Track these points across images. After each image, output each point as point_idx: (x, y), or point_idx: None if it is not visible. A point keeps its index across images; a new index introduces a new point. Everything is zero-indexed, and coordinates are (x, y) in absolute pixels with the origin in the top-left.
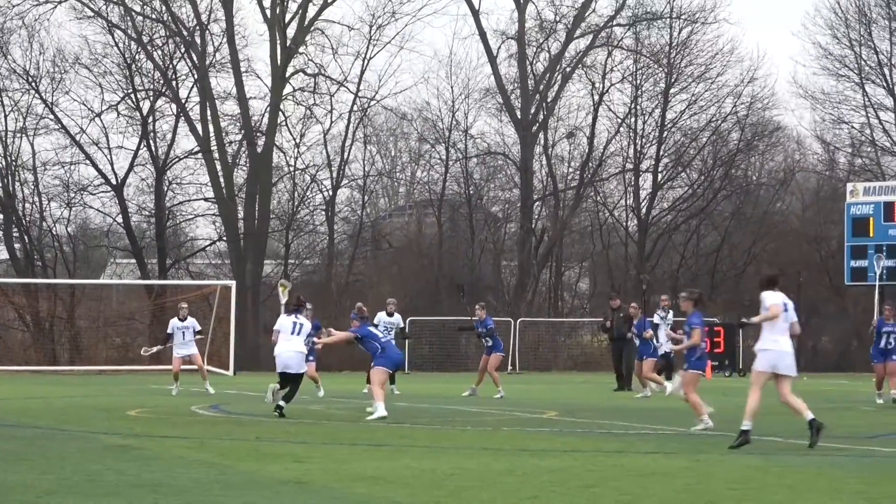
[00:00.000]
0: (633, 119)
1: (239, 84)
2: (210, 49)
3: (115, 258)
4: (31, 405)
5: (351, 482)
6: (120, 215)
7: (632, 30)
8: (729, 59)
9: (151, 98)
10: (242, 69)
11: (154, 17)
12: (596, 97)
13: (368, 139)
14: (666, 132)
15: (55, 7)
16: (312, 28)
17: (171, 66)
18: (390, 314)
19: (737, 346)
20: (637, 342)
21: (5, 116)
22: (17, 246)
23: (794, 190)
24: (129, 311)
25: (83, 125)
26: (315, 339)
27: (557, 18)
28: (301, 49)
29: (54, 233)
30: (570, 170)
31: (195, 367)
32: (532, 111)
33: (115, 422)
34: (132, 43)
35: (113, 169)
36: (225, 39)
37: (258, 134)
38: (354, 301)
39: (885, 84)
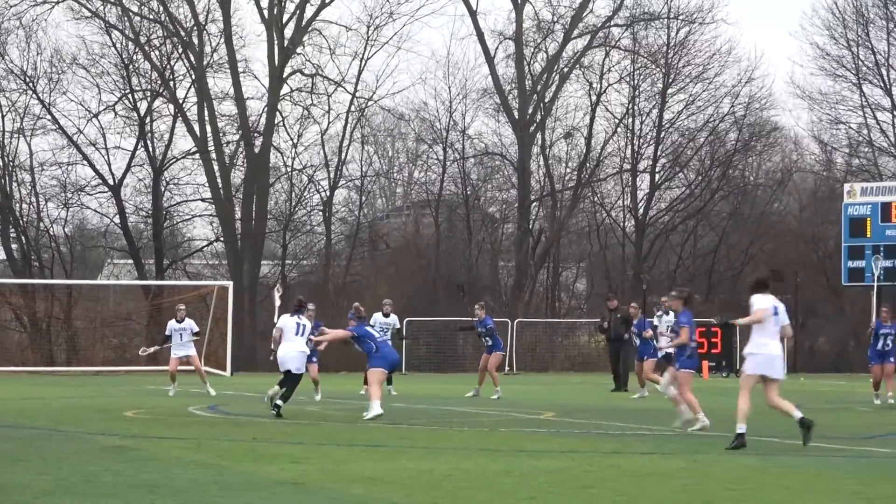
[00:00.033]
0: (630, 119)
1: (236, 84)
2: (207, 49)
3: (113, 259)
4: (28, 406)
5: (348, 483)
6: (117, 216)
7: (629, 30)
8: (726, 60)
9: (149, 98)
10: (240, 69)
11: (151, 17)
12: (593, 97)
13: (366, 139)
14: (663, 132)
15: (52, 7)
16: (310, 28)
17: (168, 66)
18: (386, 315)
19: (734, 346)
20: (637, 342)
21: (2, 117)
22: (14, 246)
23: (792, 190)
24: (126, 312)
25: (80, 125)
26: (311, 338)
27: (555, 19)
28: (298, 49)
29: (51, 233)
30: (568, 170)
31: (192, 367)
32: (529, 111)
33: (113, 422)
34: (129, 43)
35: (110, 169)
36: (222, 40)
37: (255, 134)
38: (352, 301)
39: (882, 84)
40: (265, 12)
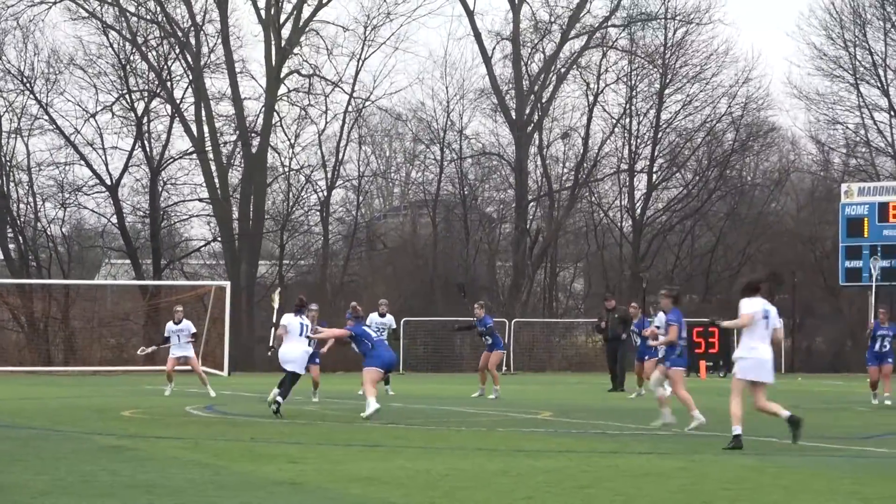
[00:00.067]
0: (627, 119)
1: (233, 85)
2: (205, 50)
3: (110, 259)
4: (25, 406)
5: (346, 483)
6: (114, 216)
7: (626, 30)
8: (724, 60)
9: (146, 99)
10: (237, 70)
11: (149, 17)
12: (591, 98)
13: (363, 140)
14: (661, 133)
15: (50, 8)
16: (307, 29)
17: (165, 66)
18: (382, 315)
19: (731, 346)
20: (637, 342)
21: (0, 117)
22: (11, 246)
23: (789, 190)
24: (123, 312)
25: (78, 126)
26: (309, 335)
27: (552, 19)
28: (296, 50)
29: (49, 233)
30: (565, 170)
31: (188, 367)
32: (527, 112)
33: (110, 422)
34: (127, 44)
35: (108, 169)
36: (219, 40)
37: (253, 134)
38: (349, 301)
39: (879, 85)
40: (262, 13)
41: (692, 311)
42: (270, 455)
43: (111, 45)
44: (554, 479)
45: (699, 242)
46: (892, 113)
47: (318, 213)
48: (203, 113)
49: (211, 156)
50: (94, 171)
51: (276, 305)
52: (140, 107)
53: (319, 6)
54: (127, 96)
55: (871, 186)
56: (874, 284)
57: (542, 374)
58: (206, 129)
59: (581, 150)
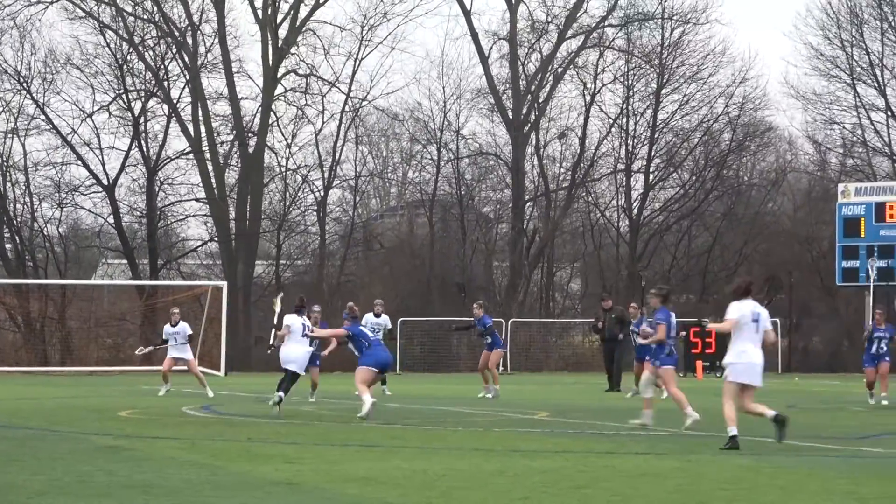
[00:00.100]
0: (624, 119)
1: (230, 84)
2: (202, 49)
3: (107, 259)
4: (22, 406)
5: (342, 483)
6: (111, 216)
7: (623, 30)
8: (720, 60)
9: (143, 98)
10: (234, 70)
11: (146, 17)
12: (587, 98)
13: (360, 140)
14: (657, 133)
15: (47, 7)
16: (304, 29)
17: (162, 66)
18: (377, 315)
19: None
20: (637, 342)
21: None
22: (7, 246)
23: (786, 190)
24: (120, 312)
25: (74, 125)
26: (308, 333)
27: (549, 19)
28: (293, 50)
29: (45, 233)
30: (562, 170)
31: (184, 368)
32: (524, 112)
33: (106, 422)
34: (124, 43)
35: (104, 169)
36: (216, 40)
37: (250, 134)
38: (346, 301)
39: (876, 85)
40: (259, 12)
41: (689, 311)
42: (267, 455)
43: (108, 45)
44: (550, 480)
45: (696, 242)
46: (889, 113)
47: (314, 212)
48: (200, 113)
49: (208, 156)
50: (90, 170)
51: (277, 309)
52: (137, 106)
53: (316, 6)
54: (124, 96)
55: (867, 186)
56: (872, 285)
57: (538, 375)
58: (202, 128)
59: (578, 150)
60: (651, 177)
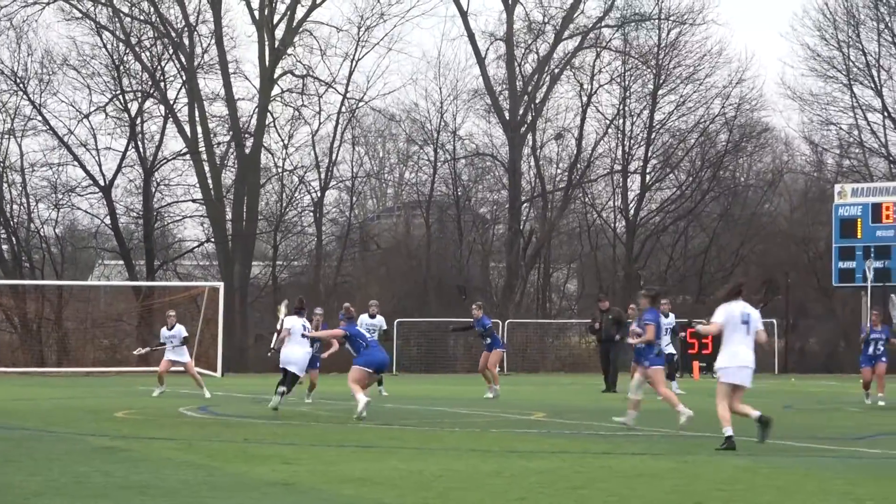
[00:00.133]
0: (621, 120)
1: (227, 85)
2: (198, 50)
3: (103, 260)
4: (18, 407)
5: (339, 484)
6: (108, 217)
7: (620, 31)
8: (717, 61)
9: (139, 99)
10: (230, 70)
11: (142, 18)
12: (584, 98)
13: (357, 140)
14: (654, 133)
15: (43, 8)
16: (301, 29)
17: (159, 67)
18: (372, 316)
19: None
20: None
21: None
22: (4, 247)
23: (782, 191)
24: (116, 313)
25: (71, 126)
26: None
27: (546, 20)
28: (289, 50)
29: (42, 234)
30: (559, 171)
31: (182, 369)
32: (520, 112)
33: (103, 423)
34: (120, 44)
35: (101, 170)
36: (213, 41)
37: (246, 135)
38: (342, 302)
39: (872, 85)
40: (256, 13)
41: (685, 311)
42: (264, 456)
43: (105, 46)
44: (547, 480)
45: (692, 243)
46: (886, 114)
47: (311, 213)
48: (196, 113)
49: (204, 156)
50: (87, 171)
51: (281, 316)
52: (133, 107)
53: (313, 7)
54: (120, 97)
55: (864, 187)
56: (869, 286)
57: (535, 375)
58: (199, 129)
59: (574, 151)
60: (648, 178)
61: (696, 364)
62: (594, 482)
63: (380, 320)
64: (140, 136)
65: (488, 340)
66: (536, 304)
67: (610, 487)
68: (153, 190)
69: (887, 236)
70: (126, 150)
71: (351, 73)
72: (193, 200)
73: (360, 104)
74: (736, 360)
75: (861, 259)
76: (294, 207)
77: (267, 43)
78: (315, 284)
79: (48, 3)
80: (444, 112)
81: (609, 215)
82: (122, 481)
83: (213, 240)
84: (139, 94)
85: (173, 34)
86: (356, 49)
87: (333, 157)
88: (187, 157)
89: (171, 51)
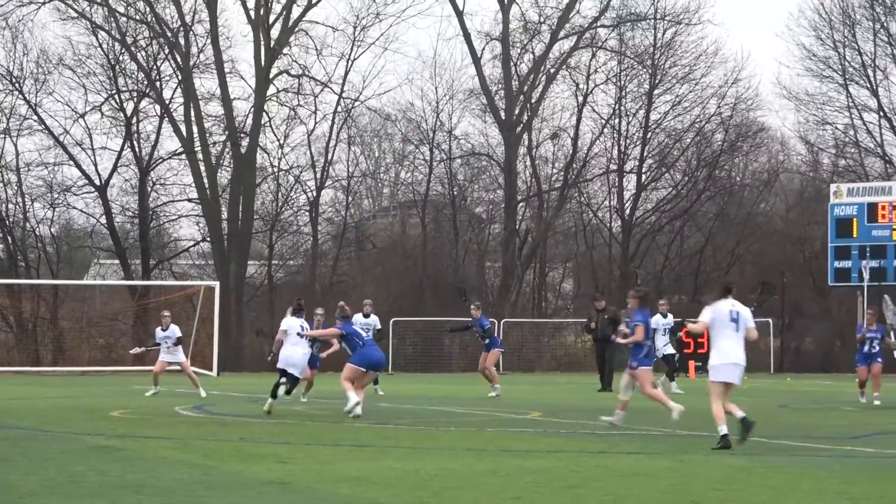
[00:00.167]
0: (617, 120)
1: (223, 85)
2: (194, 50)
3: (99, 259)
4: (14, 406)
5: (334, 483)
6: (103, 216)
7: (616, 31)
8: (713, 61)
9: (135, 99)
10: (226, 70)
11: (138, 18)
12: (580, 98)
13: (352, 140)
14: (650, 133)
15: (39, 8)
16: (297, 29)
17: (154, 66)
18: (366, 315)
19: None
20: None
21: None
22: (0, 246)
23: (778, 191)
24: (112, 312)
25: (67, 126)
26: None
27: (542, 19)
28: (285, 50)
29: (38, 233)
30: (554, 171)
31: (178, 369)
32: (516, 112)
33: (99, 422)
34: (116, 44)
35: (97, 170)
36: (209, 40)
37: (242, 135)
38: (338, 301)
39: (868, 85)
40: (251, 13)
41: (681, 311)
42: (259, 455)
43: (100, 46)
44: (543, 479)
45: (688, 243)
46: (882, 113)
47: (307, 213)
48: (192, 113)
49: (200, 156)
50: (83, 171)
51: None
52: (129, 107)
53: (309, 6)
54: (116, 96)
55: (860, 187)
56: (865, 285)
57: (531, 375)
58: (195, 129)
59: (570, 151)
60: (643, 177)
61: (692, 364)
62: (590, 481)
63: (374, 319)
64: (136, 135)
65: (487, 341)
66: (532, 304)
67: (606, 486)
68: (149, 189)
69: (883, 236)
70: (122, 149)
71: (347, 73)
72: (189, 200)
73: (356, 104)
74: (725, 358)
75: (857, 259)
76: (290, 207)
77: (263, 42)
78: (311, 284)
79: (44, 3)
80: (439, 112)
81: (605, 215)
82: (118, 480)
83: (208, 239)
84: (135, 94)
85: (169, 34)
86: (352, 49)
87: (329, 157)
88: (183, 156)
89: (166, 50)
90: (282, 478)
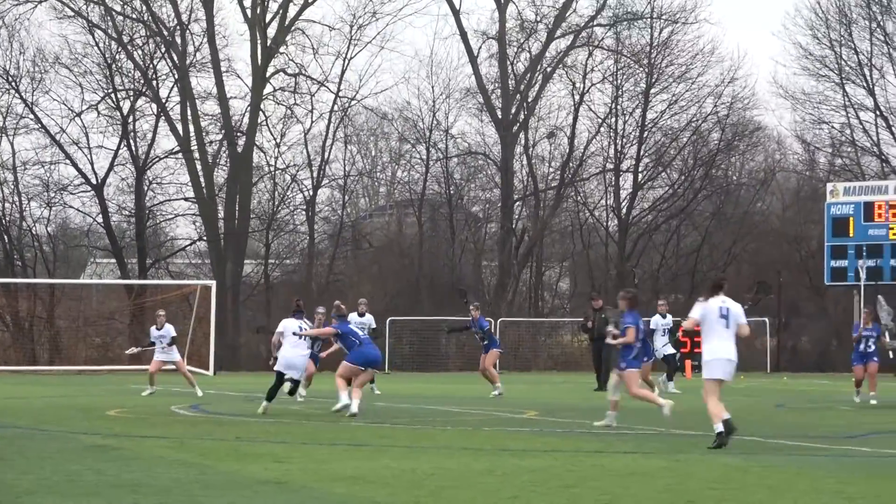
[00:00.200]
0: (613, 119)
1: (219, 84)
2: (190, 49)
3: (95, 258)
4: (10, 405)
5: (331, 482)
6: (100, 215)
7: (612, 30)
8: (709, 60)
9: (132, 98)
10: (223, 69)
11: (134, 16)
12: (576, 97)
13: (349, 139)
14: (646, 132)
15: (35, 7)
16: (293, 28)
17: (151, 65)
18: (361, 314)
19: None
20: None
21: None
22: None
23: (775, 190)
24: (108, 311)
25: (63, 125)
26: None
27: (538, 18)
28: (281, 49)
29: (34, 232)
30: (551, 170)
31: (173, 368)
32: (513, 111)
33: (95, 422)
34: (112, 43)
35: (93, 168)
36: (205, 39)
37: (238, 134)
38: (334, 301)
39: (865, 84)
40: (248, 12)
41: (678, 310)
42: (256, 454)
43: (97, 44)
44: (539, 479)
45: (685, 242)
46: (878, 112)
47: (303, 212)
48: (189, 112)
49: (196, 155)
50: (79, 170)
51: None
52: (126, 106)
53: (305, 5)
54: (112, 95)
55: (856, 186)
56: (862, 284)
57: (527, 374)
58: (191, 128)
59: (567, 150)
60: (640, 176)
61: (688, 363)
62: (586, 481)
63: (369, 318)
64: (132, 134)
65: (485, 342)
66: (529, 303)
67: (602, 486)
68: (145, 188)
69: (879, 235)
70: (118, 148)
71: (343, 72)
72: (185, 199)
73: (353, 103)
74: (716, 354)
75: (853, 258)
76: (286, 206)
77: (259, 41)
78: (307, 283)
79: (40, 2)
80: (436, 111)
81: (601, 214)
82: (114, 480)
83: (205, 238)
84: (131, 93)
85: (165, 32)
86: (348, 47)
87: (326, 156)
88: (179, 155)
89: (163, 49)
90: (278, 477)
